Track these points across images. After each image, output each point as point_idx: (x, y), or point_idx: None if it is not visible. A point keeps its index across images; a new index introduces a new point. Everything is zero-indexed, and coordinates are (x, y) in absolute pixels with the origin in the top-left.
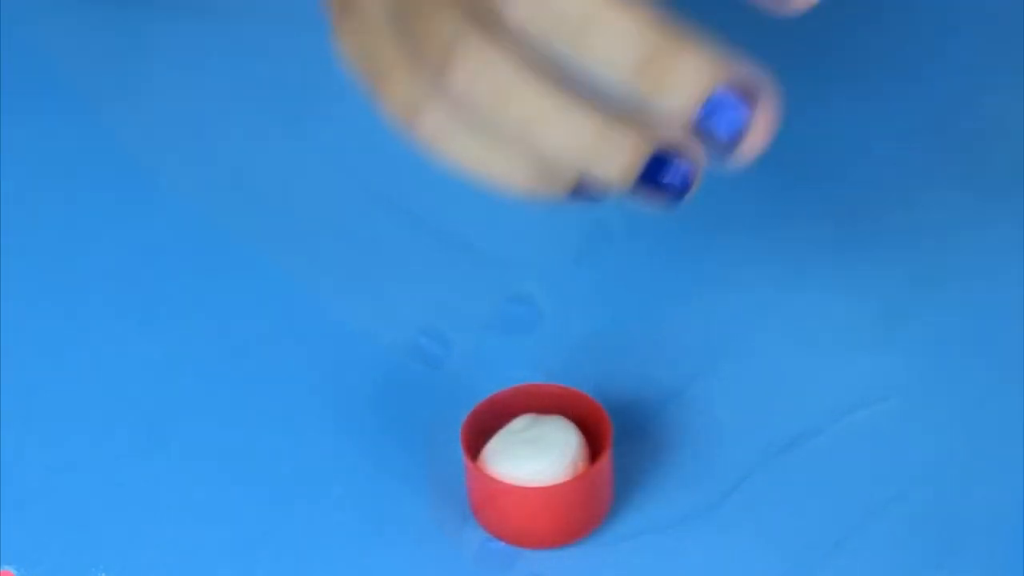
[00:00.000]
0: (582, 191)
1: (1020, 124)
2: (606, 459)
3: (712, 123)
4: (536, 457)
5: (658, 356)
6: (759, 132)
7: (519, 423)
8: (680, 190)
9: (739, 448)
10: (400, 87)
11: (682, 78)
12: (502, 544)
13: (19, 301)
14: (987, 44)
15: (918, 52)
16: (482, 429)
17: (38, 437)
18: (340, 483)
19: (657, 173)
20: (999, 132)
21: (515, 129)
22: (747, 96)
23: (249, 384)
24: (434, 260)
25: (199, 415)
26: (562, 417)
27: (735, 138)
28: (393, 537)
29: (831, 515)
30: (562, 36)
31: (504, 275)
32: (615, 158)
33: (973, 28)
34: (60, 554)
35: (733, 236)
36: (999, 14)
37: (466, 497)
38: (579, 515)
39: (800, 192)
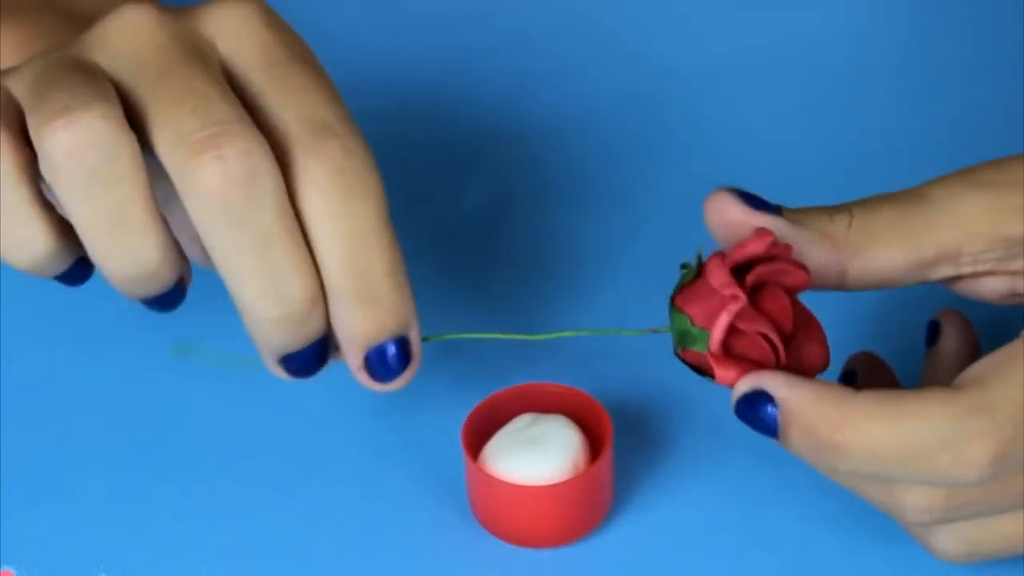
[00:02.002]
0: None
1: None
2: (606, 458)
3: (373, 363)
4: (536, 456)
5: (658, 356)
6: (408, 375)
7: (519, 422)
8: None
9: (739, 448)
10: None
11: (380, 311)
12: (502, 543)
13: (19, 300)
14: None
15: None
16: (482, 429)
17: (38, 437)
18: (340, 483)
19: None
20: None
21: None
22: (406, 350)
23: (249, 384)
24: (433, 260)
25: (199, 415)
26: (562, 416)
27: (390, 379)
28: (393, 537)
29: (832, 516)
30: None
31: (505, 274)
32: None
33: None
34: (60, 554)
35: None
36: None
37: (466, 497)
38: (579, 514)
39: (804, 192)
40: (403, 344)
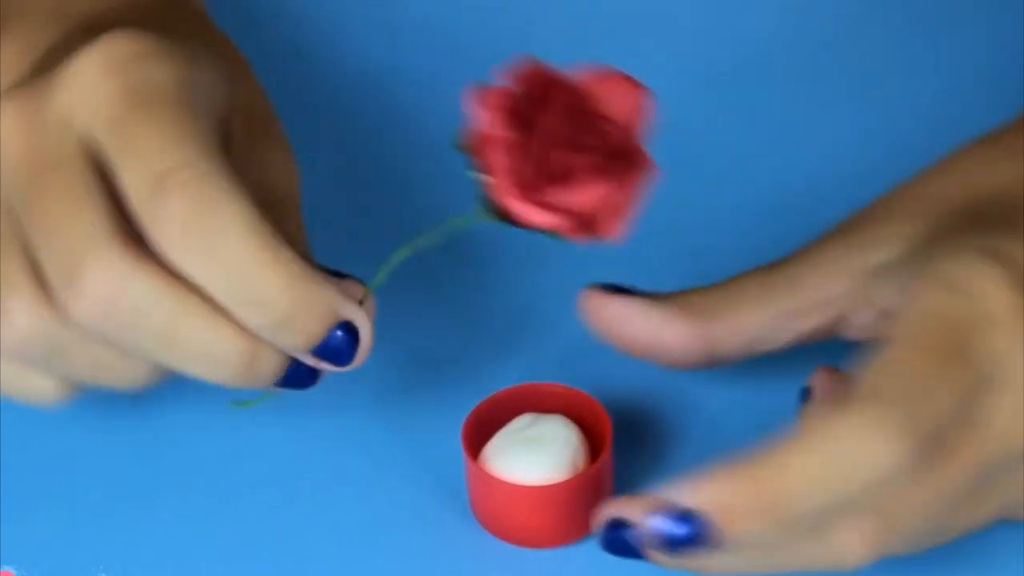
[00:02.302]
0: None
1: None
2: (606, 458)
3: (325, 356)
4: (536, 456)
5: None
6: (363, 352)
7: (519, 422)
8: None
9: (738, 448)
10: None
11: (301, 326)
12: (502, 543)
13: None
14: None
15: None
16: (482, 429)
17: (38, 438)
18: (341, 482)
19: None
20: None
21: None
22: (350, 331)
23: None
24: (436, 261)
25: (199, 415)
26: (562, 416)
27: (348, 361)
28: (393, 537)
29: None
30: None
31: (505, 274)
32: (262, 370)
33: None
34: (60, 554)
35: (734, 236)
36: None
37: (466, 496)
38: (579, 514)
39: (802, 191)
40: (343, 328)
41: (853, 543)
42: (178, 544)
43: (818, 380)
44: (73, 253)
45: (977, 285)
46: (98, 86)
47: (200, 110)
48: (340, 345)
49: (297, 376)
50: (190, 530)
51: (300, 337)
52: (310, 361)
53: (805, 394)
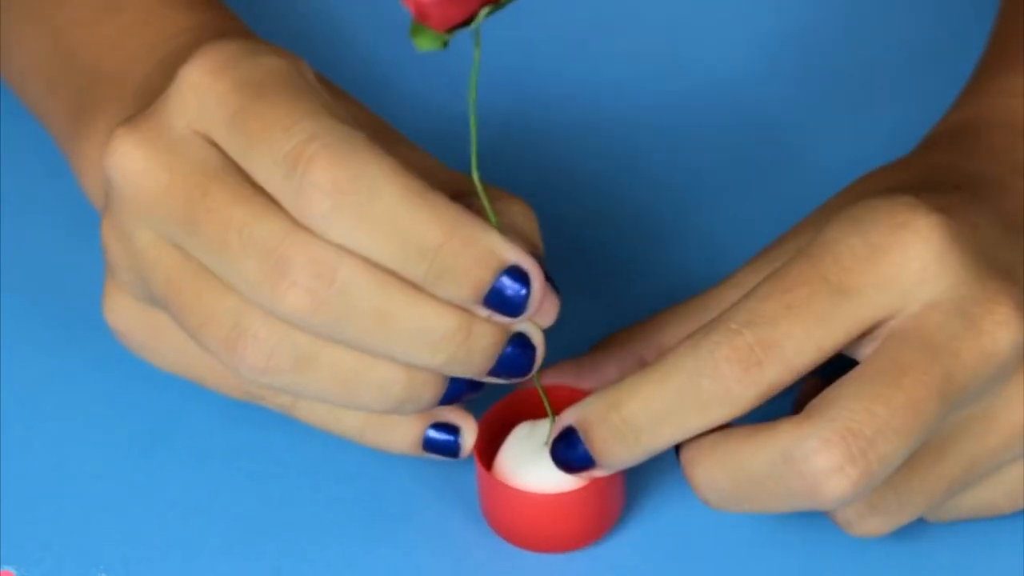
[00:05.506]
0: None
1: None
2: None
3: (496, 304)
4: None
5: None
6: (536, 302)
7: (522, 430)
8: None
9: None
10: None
11: (465, 271)
12: (513, 548)
13: (20, 299)
14: None
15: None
16: (493, 435)
17: (38, 437)
18: (345, 483)
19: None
20: None
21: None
22: (523, 276)
23: None
24: None
25: (200, 414)
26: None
27: (520, 311)
28: (402, 540)
29: None
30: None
31: None
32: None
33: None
34: (60, 554)
35: (734, 236)
36: None
37: (476, 499)
38: (593, 519)
39: (805, 193)
40: (512, 275)
41: (826, 470)
42: (178, 544)
43: (807, 390)
44: (270, 253)
45: (885, 211)
46: (208, 89)
47: (314, 87)
48: (512, 294)
49: (514, 358)
50: (190, 530)
51: (467, 285)
52: (482, 314)
53: (797, 404)
